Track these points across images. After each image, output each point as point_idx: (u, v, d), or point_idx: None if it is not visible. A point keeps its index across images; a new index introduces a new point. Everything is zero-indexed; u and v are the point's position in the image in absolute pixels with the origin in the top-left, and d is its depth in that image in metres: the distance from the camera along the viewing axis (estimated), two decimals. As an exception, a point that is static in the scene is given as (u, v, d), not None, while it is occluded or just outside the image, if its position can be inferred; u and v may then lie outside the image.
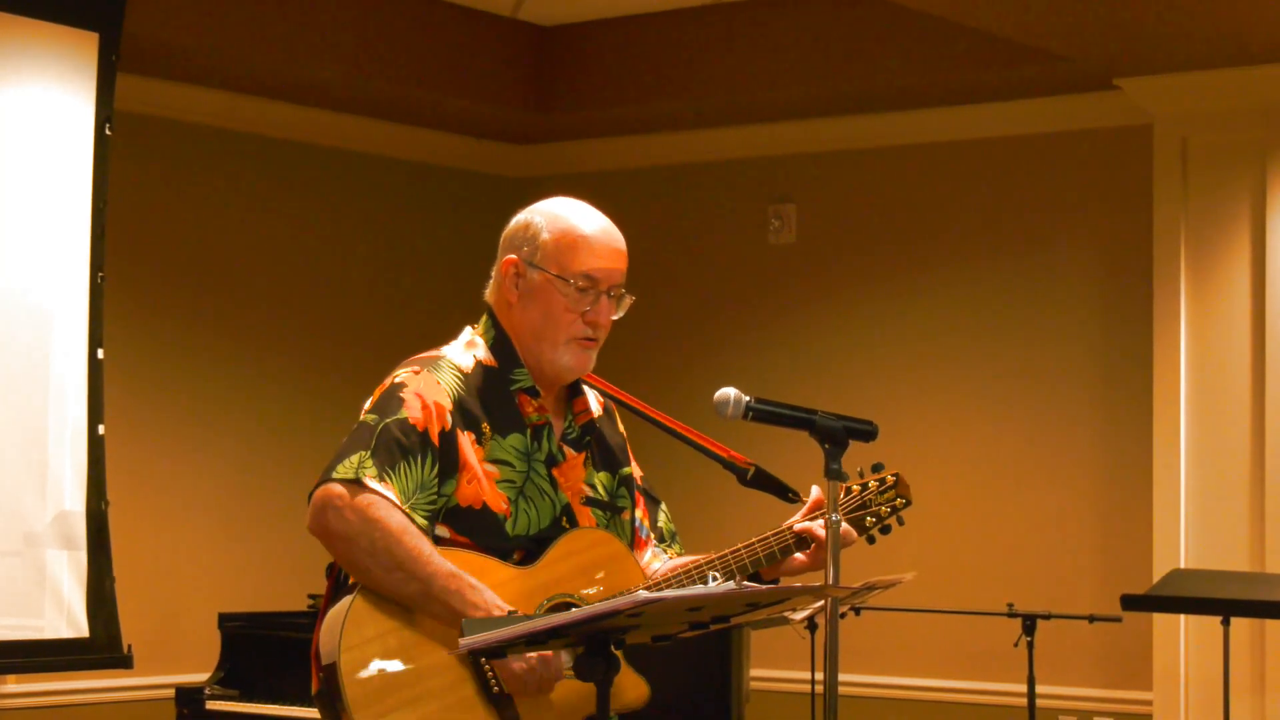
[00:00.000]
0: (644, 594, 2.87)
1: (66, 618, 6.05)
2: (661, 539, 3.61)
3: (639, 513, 3.56)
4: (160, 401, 7.23)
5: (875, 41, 7.24)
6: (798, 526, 3.48)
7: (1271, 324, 6.81)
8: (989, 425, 7.52)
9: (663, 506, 3.66)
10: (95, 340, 6.19)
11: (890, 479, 3.59)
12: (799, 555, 3.49)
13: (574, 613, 2.95)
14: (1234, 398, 6.87)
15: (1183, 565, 6.82)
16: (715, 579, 3.38)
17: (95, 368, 6.18)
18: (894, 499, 3.59)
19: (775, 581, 3.51)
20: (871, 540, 3.58)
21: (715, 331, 8.09)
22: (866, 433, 3.40)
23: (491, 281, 3.50)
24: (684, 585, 3.38)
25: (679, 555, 3.60)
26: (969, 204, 7.62)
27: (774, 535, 3.48)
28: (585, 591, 3.32)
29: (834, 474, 3.36)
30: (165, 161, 7.29)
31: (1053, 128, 7.43)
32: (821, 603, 4.67)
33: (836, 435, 3.35)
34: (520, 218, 3.48)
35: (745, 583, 3.39)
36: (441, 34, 7.49)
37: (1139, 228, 7.15)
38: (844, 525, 3.47)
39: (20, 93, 6.07)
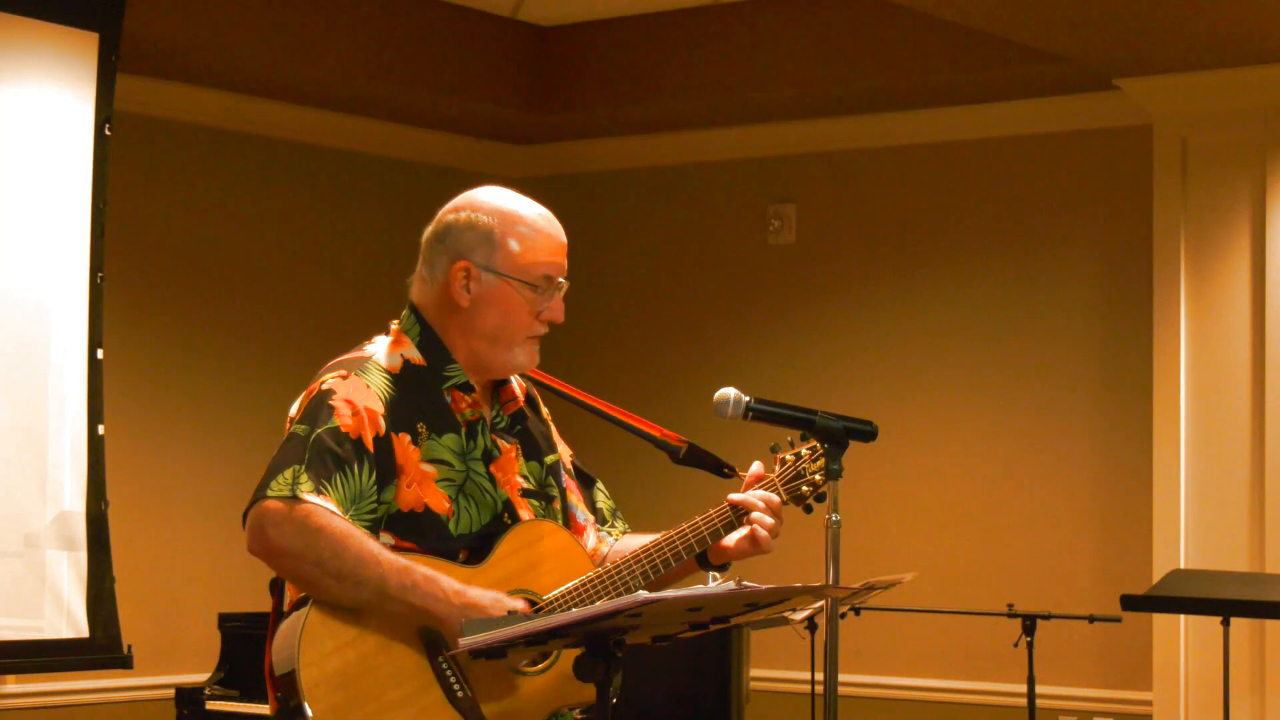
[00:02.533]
0: (644, 594, 2.86)
1: (66, 618, 6.05)
2: (603, 520, 3.55)
3: (573, 498, 3.49)
4: (160, 401, 7.23)
5: (875, 41, 7.24)
6: (734, 498, 3.42)
7: (1271, 324, 6.81)
8: (989, 425, 7.52)
9: (599, 485, 3.58)
10: (95, 340, 6.19)
11: (821, 447, 3.49)
12: (737, 535, 3.41)
13: (574, 613, 2.94)
14: (1234, 397, 6.87)
15: (1182, 565, 6.82)
16: (715, 578, 3.36)
17: (95, 368, 6.18)
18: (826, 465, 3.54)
19: (726, 567, 3.47)
20: (808, 509, 3.49)
21: (715, 332, 8.09)
22: (866, 433, 3.39)
23: (419, 279, 3.42)
24: (637, 572, 3.33)
25: (624, 533, 3.54)
26: (969, 204, 7.62)
27: (715, 511, 3.41)
28: (537, 585, 3.27)
29: (833, 474, 3.35)
30: (165, 161, 7.29)
31: (1052, 128, 7.43)
32: (821, 603, 4.67)
33: (836, 435, 3.35)
34: (461, 215, 3.38)
35: (718, 575, 3.37)
36: (441, 34, 7.49)
37: (1139, 228, 7.15)
38: (761, 533, 3.43)
39: (20, 93, 6.07)
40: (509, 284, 3.33)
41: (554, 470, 3.45)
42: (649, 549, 3.37)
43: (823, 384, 7.73)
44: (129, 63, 6.49)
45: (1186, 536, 6.89)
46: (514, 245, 3.33)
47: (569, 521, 3.46)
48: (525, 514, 3.34)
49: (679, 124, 8.03)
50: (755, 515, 3.41)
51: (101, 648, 6.13)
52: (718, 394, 3.38)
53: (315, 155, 7.81)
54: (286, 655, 3.13)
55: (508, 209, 3.37)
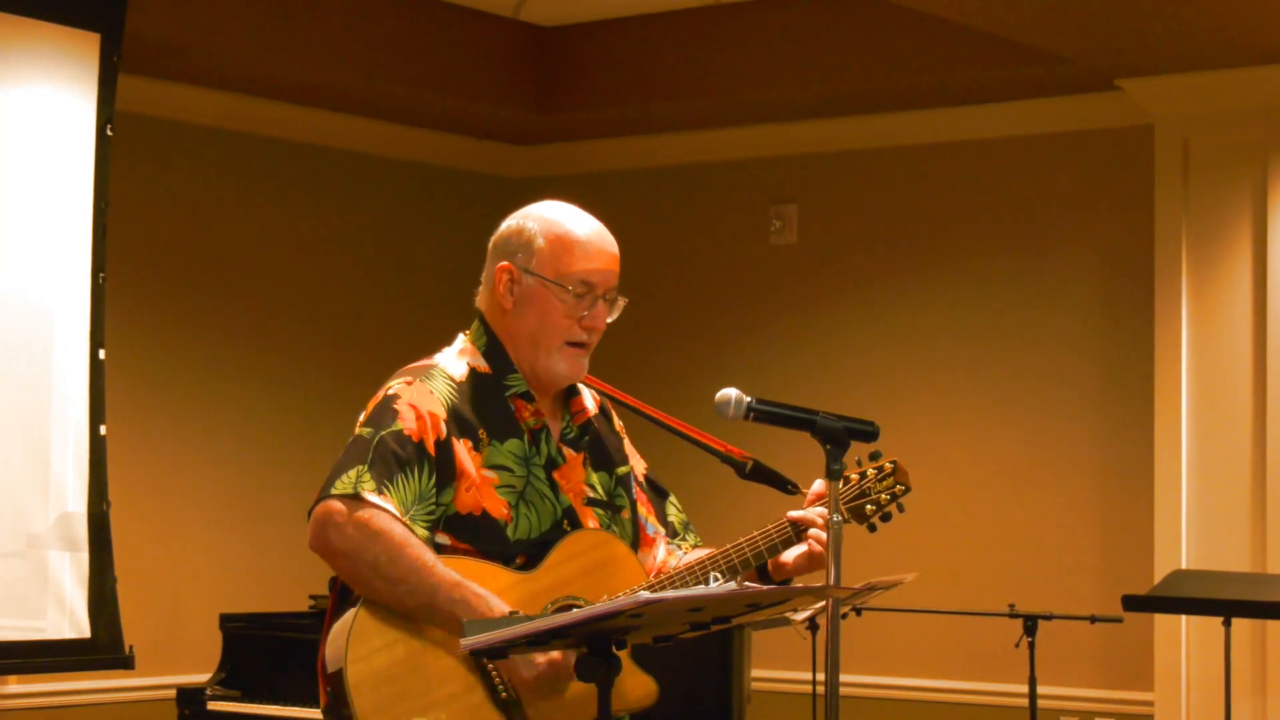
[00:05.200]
0: (645, 594, 2.87)
1: (68, 618, 6.05)
2: (674, 533, 3.58)
3: (642, 510, 3.54)
4: (162, 402, 7.23)
5: (876, 42, 7.24)
6: (793, 514, 3.46)
7: (1273, 325, 6.81)
8: (990, 426, 7.52)
9: (671, 499, 3.63)
10: (97, 341, 6.19)
11: (889, 466, 3.57)
12: (795, 551, 3.46)
13: (575, 613, 2.95)
14: (1235, 398, 6.87)
15: (1184, 566, 6.82)
16: (716, 579, 3.37)
17: (97, 368, 6.18)
18: (893, 486, 3.57)
19: (785, 583, 3.50)
20: (872, 528, 3.56)
21: (716, 332, 8.09)
22: (868, 433, 3.39)
23: (482, 287, 3.47)
24: (686, 585, 3.37)
25: (695, 547, 3.58)
26: (970, 205, 7.62)
27: (774, 527, 3.46)
28: (589, 593, 3.31)
29: (834, 474, 3.35)
30: (166, 162, 7.29)
31: (1054, 128, 7.42)
32: (823, 603, 4.67)
33: (838, 436, 3.35)
34: (511, 223, 3.45)
35: (747, 583, 3.38)
36: (442, 34, 7.49)
37: (1140, 228, 7.15)
38: (818, 549, 3.44)
39: (22, 93, 6.07)
40: (547, 287, 3.38)
41: (624, 481, 3.50)
42: (704, 561, 3.42)
43: (824, 384, 7.73)
44: (130, 63, 6.49)
45: (1188, 537, 6.89)
46: (554, 250, 3.39)
47: (638, 533, 3.51)
48: (590, 523, 3.40)
49: (680, 124, 8.03)
50: (813, 532, 3.45)
51: (103, 648, 6.13)
52: (719, 394, 3.39)
53: (317, 155, 7.81)
54: (336, 651, 3.19)
55: (555, 217, 3.44)
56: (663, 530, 3.57)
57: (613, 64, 7.80)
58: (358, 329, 7.86)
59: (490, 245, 3.47)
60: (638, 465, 3.58)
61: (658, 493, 3.61)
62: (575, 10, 7.66)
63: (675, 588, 3.35)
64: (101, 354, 6.19)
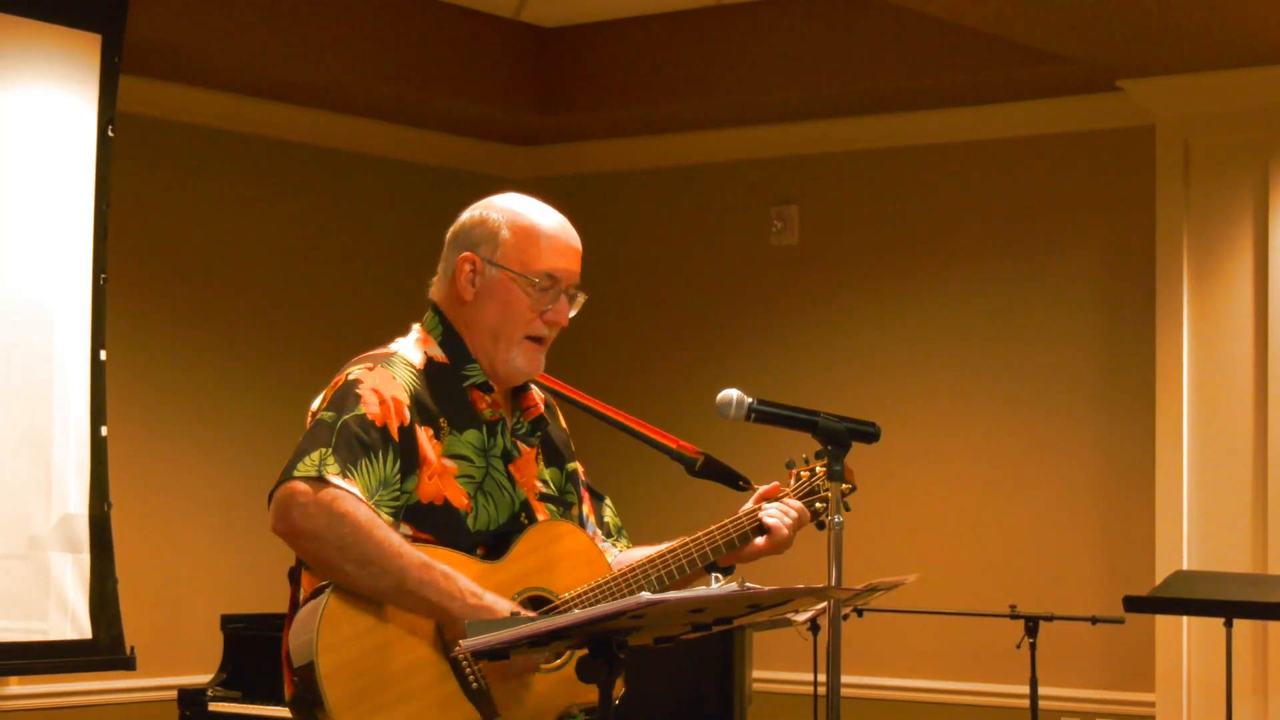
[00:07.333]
0: (647, 595, 2.86)
1: (70, 620, 6.05)
2: (609, 534, 3.57)
3: (585, 508, 3.52)
4: (163, 403, 7.23)
5: (877, 43, 7.24)
6: (757, 509, 3.46)
7: (1274, 325, 6.81)
8: (992, 427, 7.52)
9: (607, 501, 3.62)
10: (98, 342, 6.19)
11: None
12: (758, 541, 3.45)
13: (577, 614, 2.95)
14: (1236, 398, 6.87)
15: (1185, 567, 6.82)
16: (718, 579, 3.37)
17: (98, 369, 6.18)
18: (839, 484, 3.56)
19: (731, 570, 3.49)
20: (821, 525, 3.54)
21: (717, 333, 8.09)
22: (869, 434, 3.40)
23: (438, 278, 3.45)
24: (653, 576, 3.35)
25: (627, 549, 3.56)
26: (971, 205, 7.62)
27: (732, 522, 3.45)
28: (554, 585, 3.29)
29: (836, 475, 3.35)
30: (168, 163, 7.29)
31: (1055, 129, 7.43)
32: (824, 604, 4.67)
33: (839, 436, 3.35)
34: (474, 213, 3.42)
35: (720, 576, 3.39)
36: (443, 35, 7.50)
37: (1141, 229, 7.15)
38: (779, 526, 3.45)
39: (23, 94, 6.07)
40: (511, 279, 3.36)
41: (573, 478, 3.49)
42: (665, 554, 3.40)
43: (825, 385, 7.73)
44: (131, 64, 6.49)
45: (1189, 537, 6.89)
46: (519, 241, 3.36)
47: (582, 530, 3.48)
48: (542, 516, 3.37)
49: (682, 125, 8.03)
50: (775, 511, 3.44)
51: (105, 649, 6.13)
52: (720, 395, 3.39)
53: (318, 157, 7.81)
54: (305, 641, 3.15)
55: (519, 209, 3.41)
56: (600, 531, 3.55)
57: (614, 65, 7.80)
58: (358, 330, 7.83)
59: (450, 235, 3.44)
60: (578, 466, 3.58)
61: (594, 495, 3.59)
62: (576, 11, 7.67)
63: (646, 580, 3.33)
64: (103, 355, 6.19)
